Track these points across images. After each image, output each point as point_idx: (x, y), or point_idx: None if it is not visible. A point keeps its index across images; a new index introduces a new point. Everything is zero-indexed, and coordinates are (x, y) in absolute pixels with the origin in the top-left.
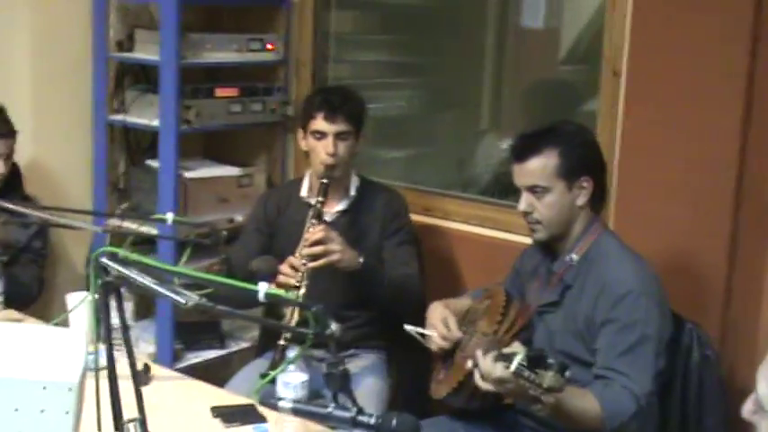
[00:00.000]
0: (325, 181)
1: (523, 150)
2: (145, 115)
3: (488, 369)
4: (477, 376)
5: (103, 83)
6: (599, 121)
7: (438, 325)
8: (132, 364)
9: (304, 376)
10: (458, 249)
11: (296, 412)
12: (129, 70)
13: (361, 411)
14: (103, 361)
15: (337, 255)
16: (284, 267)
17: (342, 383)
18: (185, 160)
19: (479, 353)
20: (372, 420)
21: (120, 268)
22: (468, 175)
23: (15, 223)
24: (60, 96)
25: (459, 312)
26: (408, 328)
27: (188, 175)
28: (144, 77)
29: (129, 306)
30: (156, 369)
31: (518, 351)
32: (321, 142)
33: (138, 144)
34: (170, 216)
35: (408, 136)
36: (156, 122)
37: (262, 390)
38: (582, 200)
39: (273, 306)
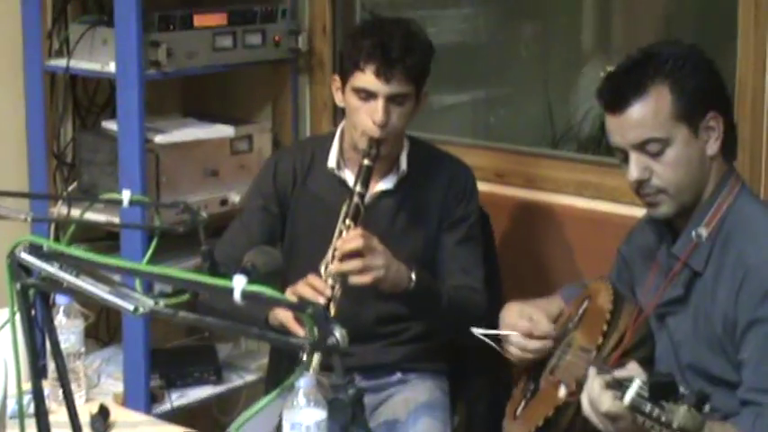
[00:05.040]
0: (367, 163)
1: (620, 94)
2: (97, 58)
3: (594, 397)
4: (585, 403)
5: (37, 15)
6: (739, 33)
7: (518, 322)
8: (69, 404)
9: (321, 414)
10: (546, 230)
11: None
12: None
13: None
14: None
15: (379, 271)
16: (303, 288)
17: (353, 413)
18: (156, 119)
19: (593, 371)
20: None
21: (45, 266)
22: (561, 124)
23: None
24: None
25: (548, 315)
26: (476, 331)
27: (159, 139)
28: (94, 5)
29: (78, 325)
30: (120, 413)
31: (634, 375)
32: (367, 104)
33: (90, 100)
34: (126, 195)
35: (473, 73)
36: (111, 67)
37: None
38: (713, 146)
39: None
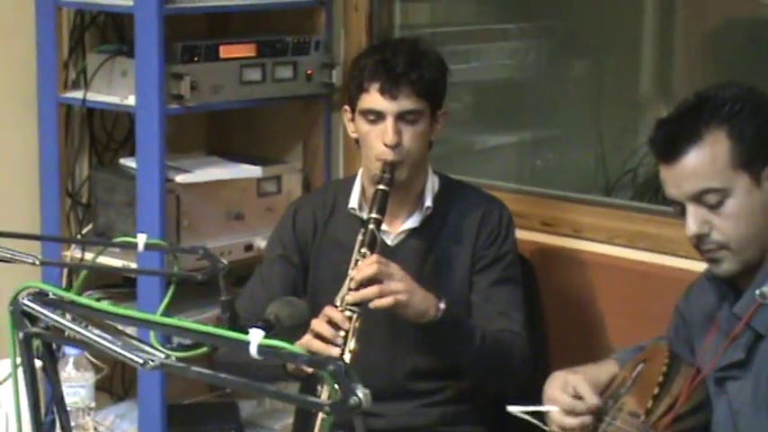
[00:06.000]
0: (382, 188)
1: (673, 142)
2: (115, 90)
3: None
4: None
5: (52, 43)
6: None
7: (560, 396)
8: None
9: None
10: (596, 284)
11: None
12: (92, 23)
13: None
14: None
15: (401, 295)
16: (318, 324)
17: None
18: (178, 157)
19: None
20: None
21: (49, 314)
22: (614, 168)
23: None
24: None
25: (596, 385)
26: (512, 409)
27: (181, 179)
28: (115, 34)
29: (89, 378)
30: None
31: None
32: (376, 127)
33: (108, 135)
34: (141, 239)
35: (520, 112)
36: (131, 101)
37: None
38: None
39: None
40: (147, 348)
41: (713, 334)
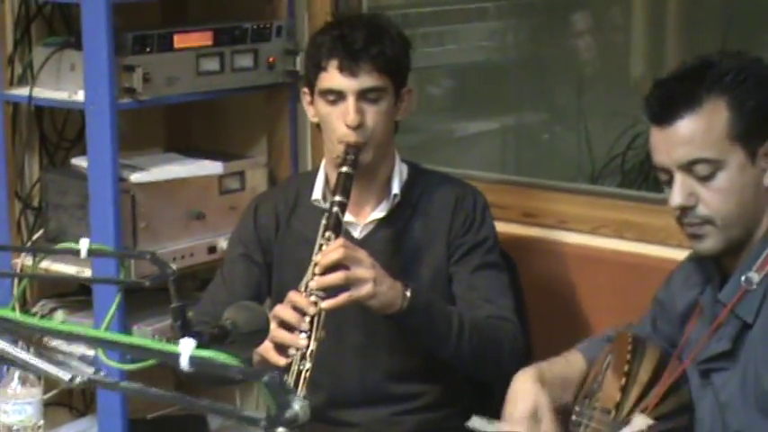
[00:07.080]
0: (345, 170)
1: (670, 105)
2: (64, 86)
3: None
4: None
5: None
6: None
7: (518, 424)
8: None
9: None
10: (582, 277)
11: None
12: (39, 14)
13: None
14: None
15: (368, 286)
16: (282, 309)
17: None
18: (133, 155)
19: None
20: None
21: None
22: (600, 155)
23: None
24: None
25: (569, 386)
26: (475, 424)
27: (136, 178)
28: (63, 25)
29: (35, 395)
30: None
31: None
32: (337, 107)
33: (58, 134)
34: (84, 244)
35: (500, 97)
36: (80, 96)
37: None
38: None
39: None
40: (76, 363)
41: (695, 321)
